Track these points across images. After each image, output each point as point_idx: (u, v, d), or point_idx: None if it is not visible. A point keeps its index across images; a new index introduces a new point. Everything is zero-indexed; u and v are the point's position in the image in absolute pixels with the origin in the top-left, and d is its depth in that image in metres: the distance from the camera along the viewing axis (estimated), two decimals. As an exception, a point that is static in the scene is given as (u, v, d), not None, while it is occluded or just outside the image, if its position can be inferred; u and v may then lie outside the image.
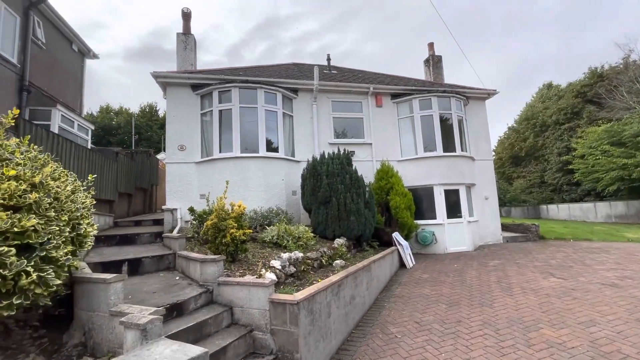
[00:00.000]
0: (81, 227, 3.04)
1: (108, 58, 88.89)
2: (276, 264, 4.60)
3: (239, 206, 4.92)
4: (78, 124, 9.50)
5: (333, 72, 12.82)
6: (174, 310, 3.31)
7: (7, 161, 2.65)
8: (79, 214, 3.03)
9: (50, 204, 2.70)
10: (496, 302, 5.19)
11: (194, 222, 6.42)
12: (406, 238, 8.89)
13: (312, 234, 6.40)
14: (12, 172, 2.51)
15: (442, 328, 4.32)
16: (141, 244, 6.23)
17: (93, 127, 10.74)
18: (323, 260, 5.67)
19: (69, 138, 7.38)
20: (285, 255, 4.88)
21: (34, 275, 2.30)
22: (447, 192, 10.14)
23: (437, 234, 9.79)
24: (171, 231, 6.57)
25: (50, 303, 2.73)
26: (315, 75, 9.61)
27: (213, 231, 4.72)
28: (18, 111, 3.09)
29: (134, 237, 6.27)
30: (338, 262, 5.75)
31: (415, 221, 9.32)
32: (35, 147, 3.10)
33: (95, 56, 11.70)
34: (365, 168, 9.71)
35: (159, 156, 15.65)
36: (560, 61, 77.50)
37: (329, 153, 7.86)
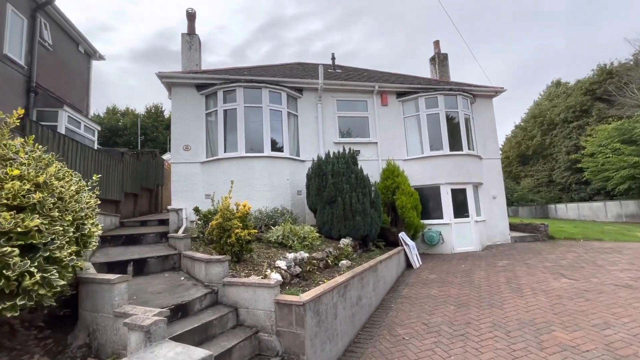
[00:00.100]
0: (85, 227, 3.02)
1: (115, 60, 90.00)
2: (281, 264, 4.54)
3: (244, 206, 4.88)
4: (84, 125, 9.56)
5: (338, 71, 12.75)
6: (179, 311, 3.28)
7: (11, 161, 2.63)
8: (83, 214, 3.01)
9: (54, 203, 2.68)
10: (506, 303, 5.08)
11: (199, 222, 6.40)
12: (412, 238, 8.79)
13: (317, 234, 6.34)
14: (16, 172, 2.49)
15: (450, 330, 4.23)
16: (147, 244, 6.22)
17: (99, 128, 10.81)
18: (329, 261, 5.60)
19: (75, 139, 7.43)
20: (290, 256, 4.82)
21: (38, 276, 2.27)
22: (454, 191, 10.01)
23: (444, 234, 9.67)
24: (176, 231, 6.57)
25: (55, 304, 2.72)
26: (320, 74, 9.55)
27: (218, 231, 4.68)
28: (23, 111, 3.08)
29: (140, 237, 6.26)
30: (344, 262, 5.68)
31: (421, 221, 9.21)
32: (40, 146, 3.09)
33: (101, 57, 11.78)
34: (371, 167, 9.63)
35: (165, 156, 15.72)
36: (568, 59, 76.43)
37: (334, 152, 7.80)
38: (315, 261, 5.23)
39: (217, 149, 8.60)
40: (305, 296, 3.36)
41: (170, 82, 8.91)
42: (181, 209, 7.67)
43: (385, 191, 9.01)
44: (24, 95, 8.05)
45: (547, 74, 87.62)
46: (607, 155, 21.54)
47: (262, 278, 3.86)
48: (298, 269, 4.70)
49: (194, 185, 8.53)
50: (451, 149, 10.19)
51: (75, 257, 2.73)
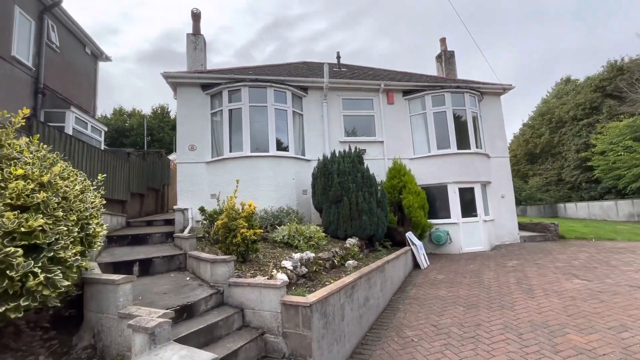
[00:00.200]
0: (90, 227, 2.99)
1: (121, 62, 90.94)
2: (287, 264, 4.49)
3: (250, 205, 4.83)
4: (92, 126, 9.63)
5: (343, 69, 12.66)
6: (184, 312, 3.24)
7: (15, 160, 2.61)
8: (88, 214, 2.98)
9: (58, 203, 2.65)
10: (517, 304, 4.96)
11: (204, 222, 6.38)
12: (420, 238, 8.67)
13: (323, 234, 6.28)
14: (20, 172, 2.47)
15: (460, 332, 4.13)
16: (152, 244, 6.22)
17: (106, 129, 10.88)
18: (335, 261, 5.54)
19: (82, 139, 7.46)
20: (296, 256, 4.76)
21: (42, 277, 2.24)
22: (461, 190, 9.86)
23: (452, 234, 9.53)
24: (182, 231, 6.55)
25: (60, 304, 2.69)
26: (325, 73, 9.48)
27: (223, 231, 4.65)
28: (28, 110, 3.06)
29: (146, 237, 6.26)
30: (350, 262, 5.61)
31: (428, 220, 9.09)
32: (45, 146, 3.07)
33: (107, 58, 11.87)
34: (377, 166, 9.54)
35: (171, 157, 15.80)
36: (577, 56, 75.19)
37: (339, 151, 7.72)
38: (321, 261, 5.16)
39: (223, 149, 8.59)
40: (312, 297, 3.29)
41: (175, 82, 8.92)
42: (187, 209, 7.67)
43: (392, 190, 8.91)
44: (32, 97, 8.13)
45: (555, 72, 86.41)
46: (619, 153, 21.10)
47: (268, 278, 3.81)
48: (304, 269, 4.64)
49: (199, 185, 8.53)
50: (459, 148, 10.04)
51: (79, 258, 2.70)
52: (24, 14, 7.93)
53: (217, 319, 3.26)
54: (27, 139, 2.99)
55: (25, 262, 2.20)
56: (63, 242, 2.50)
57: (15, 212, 2.29)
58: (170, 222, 7.91)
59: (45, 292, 2.29)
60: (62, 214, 2.61)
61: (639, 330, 3.80)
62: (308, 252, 5.11)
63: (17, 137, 2.97)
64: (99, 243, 3.17)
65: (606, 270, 6.57)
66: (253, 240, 4.60)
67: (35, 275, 2.23)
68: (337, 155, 7.60)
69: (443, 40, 13.98)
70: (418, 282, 6.73)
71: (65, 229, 2.58)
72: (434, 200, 9.83)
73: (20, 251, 2.19)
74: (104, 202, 3.50)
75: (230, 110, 8.69)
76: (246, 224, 4.60)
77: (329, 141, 9.62)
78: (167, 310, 2.55)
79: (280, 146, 8.79)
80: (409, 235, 8.24)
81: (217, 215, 5.80)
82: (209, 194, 8.32)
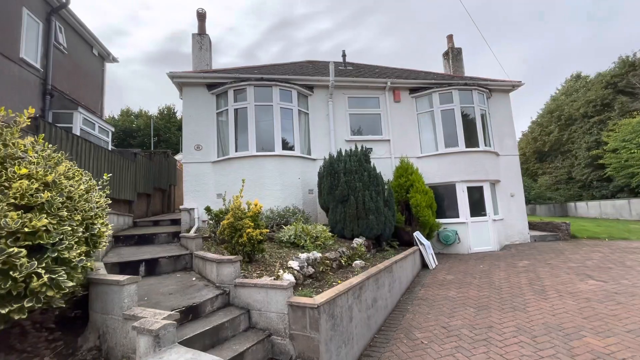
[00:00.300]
0: (95, 227, 2.97)
1: (128, 63, 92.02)
2: (294, 264, 4.42)
3: (255, 205, 4.78)
4: (99, 126, 9.69)
5: (349, 68, 12.55)
6: (190, 313, 3.19)
7: (20, 159, 2.58)
8: (92, 214, 2.96)
9: (62, 203, 2.62)
10: (530, 306, 4.82)
11: (210, 221, 6.35)
12: (427, 237, 8.54)
13: (330, 234, 6.21)
14: (24, 171, 2.44)
15: (471, 334, 4.02)
16: (159, 243, 6.22)
17: (113, 129, 10.95)
18: (342, 261, 5.46)
19: (89, 140, 7.50)
20: (303, 256, 4.70)
21: (45, 277, 2.21)
22: (470, 189, 9.69)
23: (460, 233, 9.38)
24: (188, 231, 6.54)
25: (65, 305, 2.67)
26: (331, 71, 9.40)
27: (229, 231, 4.60)
28: (33, 110, 3.04)
29: (152, 237, 6.26)
30: (357, 262, 5.52)
31: (436, 220, 8.95)
32: (50, 145, 3.05)
33: (114, 60, 11.94)
34: (384, 165, 9.43)
35: (177, 157, 15.89)
36: (587, 53, 73.81)
37: (346, 150, 7.63)
38: (328, 261, 5.09)
39: (228, 149, 8.56)
40: (320, 298, 3.22)
41: (181, 82, 8.92)
42: (193, 209, 7.66)
43: (399, 189, 8.79)
44: (40, 98, 8.20)
45: (564, 69, 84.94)
46: (632, 151, 20.59)
47: (274, 279, 3.75)
48: (311, 270, 4.57)
49: (205, 185, 8.52)
50: (467, 146, 9.87)
51: (84, 258, 2.67)
52: (32, 16, 7.99)
53: (223, 320, 3.21)
54: (32, 139, 2.97)
55: (29, 262, 2.17)
56: (67, 242, 2.47)
57: (19, 212, 2.27)
58: (176, 221, 7.92)
59: (50, 293, 2.26)
60: (66, 213, 2.58)
61: (659, 334, 3.66)
62: (315, 252, 5.04)
63: (23, 137, 2.95)
64: (104, 243, 3.14)
65: (622, 271, 6.38)
66: (259, 240, 4.55)
67: (39, 276, 2.20)
68: (344, 154, 7.51)
69: (450, 37, 13.77)
70: (427, 282, 6.61)
71: (70, 229, 2.55)
72: (442, 199, 9.68)
73: (24, 251, 2.16)
74: (109, 201, 3.48)
75: (236, 110, 8.66)
76: (252, 224, 4.55)
77: (335, 140, 9.53)
78: (172, 312, 2.50)
79: (285, 145, 8.73)
80: (417, 234, 8.12)
81: (223, 215, 5.76)
82: (215, 193, 8.31)
